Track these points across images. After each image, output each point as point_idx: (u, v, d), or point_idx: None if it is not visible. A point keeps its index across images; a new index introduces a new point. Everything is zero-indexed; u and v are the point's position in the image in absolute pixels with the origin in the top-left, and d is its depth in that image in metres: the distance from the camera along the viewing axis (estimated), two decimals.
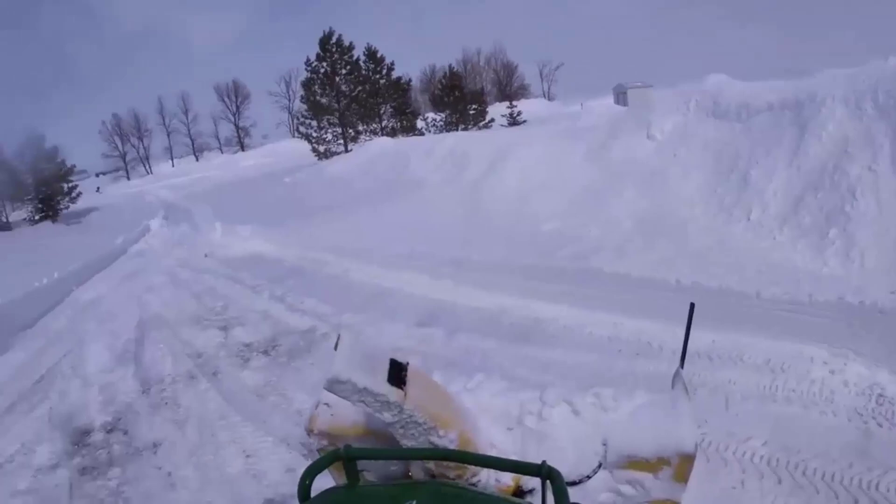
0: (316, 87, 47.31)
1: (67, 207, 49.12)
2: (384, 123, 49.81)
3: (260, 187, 34.93)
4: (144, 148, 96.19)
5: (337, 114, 47.26)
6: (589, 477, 3.25)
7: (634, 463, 3.27)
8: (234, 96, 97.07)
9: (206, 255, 18.05)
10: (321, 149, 45.74)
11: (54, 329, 13.15)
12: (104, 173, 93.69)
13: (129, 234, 26.38)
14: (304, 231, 16.56)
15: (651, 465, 3.23)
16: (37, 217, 46.68)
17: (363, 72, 49.47)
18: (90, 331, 12.22)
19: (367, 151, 29.45)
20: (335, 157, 39.18)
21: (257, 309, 11.34)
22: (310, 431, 3.52)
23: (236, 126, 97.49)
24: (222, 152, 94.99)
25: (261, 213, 22.58)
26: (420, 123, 52.85)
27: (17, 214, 49.24)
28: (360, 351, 2.90)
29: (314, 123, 46.89)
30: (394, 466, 3.27)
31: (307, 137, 46.46)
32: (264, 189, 33.12)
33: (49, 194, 47.30)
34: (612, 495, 3.29)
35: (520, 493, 3.17)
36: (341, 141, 46.99)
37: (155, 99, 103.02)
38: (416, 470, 3.15)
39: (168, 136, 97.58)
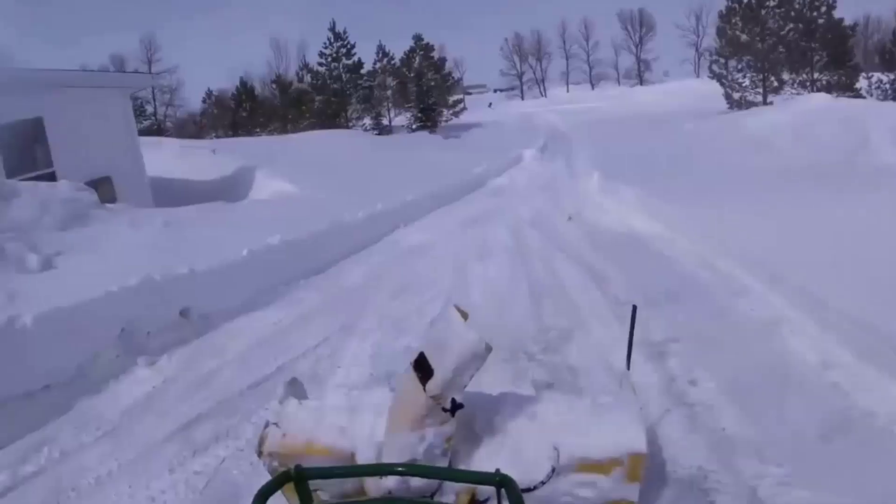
0: (736, 19, 39.46)
1: (449, 120, 48.05)
2: (815, 76, 40.41)
3: (653, 131, 29.80)
4: (542, 70, 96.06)
5: (759, 55, 39.02)
6: (543, 482, 3.17)
7: (587, 465, 3.23)
8: (639, 26, 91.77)
9: (569, 218, 13.76)
10: (735, 95, 38.54)
11: (340, 287, 10.03)
12: (500, 90, 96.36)
13: (496, 162, 23.13)
14: (705, 212, 10.96)
15: (603, 466, 3.21)
16: (414, 126, 46.11)
17: (796, 6, 40.03)
18: (374, 306, 8.69)
19: (798, 108, 23.00)
20: (753, 109, 32.41)
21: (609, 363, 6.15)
22: (259, 453, 3.46)
23: (637, 58, 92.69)
24: (619, 84, 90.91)
25: (649, 169, 17.63)
26: (862, 83, 41.20)
27: (399, 120, 49.31)
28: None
29: (730, 64, 39.30)
30: (348, 484, 3.24)
31: (719, 79, 39.24)
32: (657, 135, 27.96)
33: (431, 104, 46.17)
34: (568, 498, 3.23)
35: (475, 503, 3.18)
36: (760, 89, 39.23)
37: (558, 21, 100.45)
38: (372, 487, 3.11)
39: (566, 60, 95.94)
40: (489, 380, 4.40)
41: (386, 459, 3.13)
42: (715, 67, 39.19)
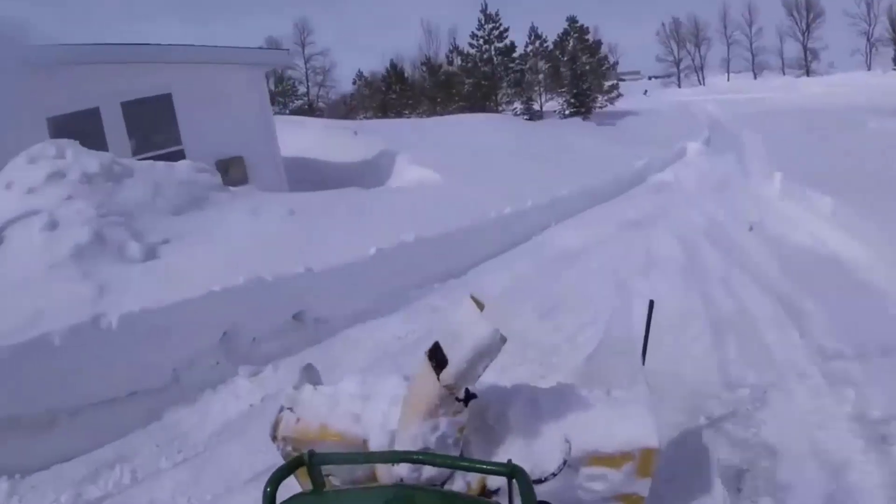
0: None
1: (604, 107, 45.65)
2: None
3: (830, 128, 26.64)
4: (700, 56, 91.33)
5: None
6: (554, 474, 3.15)
7: (598, 459, 3.25)
8: (806, 12, 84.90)
9: (750, 228, 11.69)
10: None
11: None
12: (656, 77, 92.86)
13: (658, 155, 21.05)
14: None
15: (614, 460, 3.23)
16: (567, 112, 43.93)
17: None
18: (517, 328, 6.92)
19: None
20: None
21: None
22: (273, 438, 3.50)
23: (804, 47, 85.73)
24: (784, 73, 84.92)
25: (840, 174, 15.21)
26: None
27: (551, 105, 47.21)
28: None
29: None
30: (359, 471, 3.21)
31: None
32: (836, 132, 24.87)
33: (585, 90, 43.81)
34: (578, 491, 3.26)
35: (486, 493, 3.13)
36: None
37: (719, 5, 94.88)
38: (384, 474, 3.11)
39: (727, 47, 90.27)
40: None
41: (398, 447, 3.13)
42: None
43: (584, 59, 46.75)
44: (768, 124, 31.07)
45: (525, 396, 3.47)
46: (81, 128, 12.53)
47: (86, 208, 8.54)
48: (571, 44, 48.43)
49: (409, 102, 55.13)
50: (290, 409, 3.57)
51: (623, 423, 3.26)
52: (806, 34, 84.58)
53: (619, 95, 47.44)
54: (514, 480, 2.02)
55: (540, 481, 3.06)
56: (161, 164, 10.63)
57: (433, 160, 15.66)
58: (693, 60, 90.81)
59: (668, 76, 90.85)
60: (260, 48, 15.15)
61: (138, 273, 7.69)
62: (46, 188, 8.93)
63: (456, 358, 2.96)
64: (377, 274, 8.53)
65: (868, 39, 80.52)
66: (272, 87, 65.66)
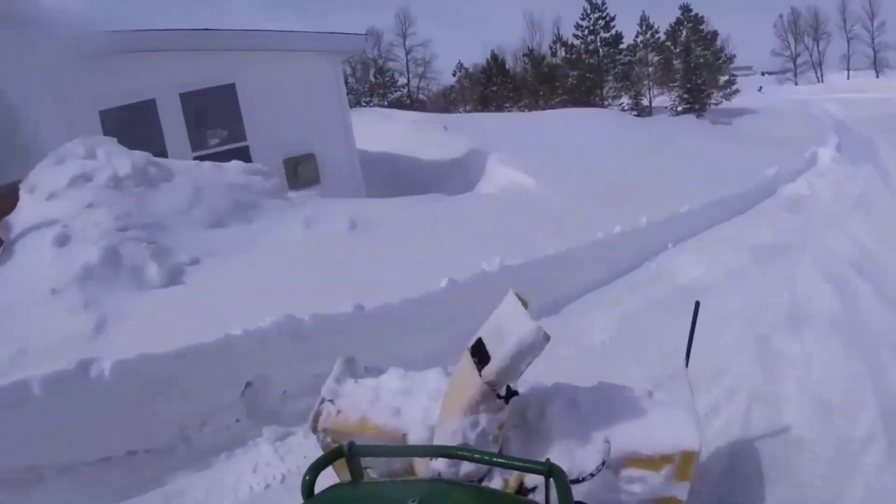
0: None
1: (719, 103, 42.72)
2: None
3: None
4: (819, 52, 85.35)
5: None
6: (592, 475, 3.04)
7: (637, 461, 3.20)
8: None
9: None
10: None
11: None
12: (770, 73, 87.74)
13: (787, 160, 18.60)
14: None
15: (654, 462, 3.17)
16: (679, 108, 41.19)
17: None
18: None
19: None
20: None
21: None
22: (314, 429, 3.58)
23: None
24: None
25: None
26: None
27: (661, 101, 44.57)
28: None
29: None
30: (398, 464, 3.27)
31: None
32: None
33: (699, 84, 40.89)
34: (616, 494, 3.21)
35: (523, 491, 3.09)
36: None
37: None
38: (422, 468, 3.15)
39: (847, 42, 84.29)
40: None
41: (437, 442, 3.13)
42: None
43: (698, 51, 43.84)
44: None
45: (566, 396, 3.49)
46: (137, 121, 11.58)
47: (105, 219, 7.18)
48: (685, 34, 45.49)
49: (510, 95, 53.24)
50: (331, 401, 3.64)
51: (664, 425, 3.23)
52: None
53: (736, 91, 44.31)
54: (551, 479, 2.05)
55: (577, 481, 2.98)
56: (207, 164, 9.23)
57: (528, 161, 13.75)
58: (811, 56, 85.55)
59: (784, 72, 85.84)
60: (332, 33, 13.38)
61: (151, 303, 6.26)
62: (68, 193, 7.67)
63: (498, 355, 3.00)
64: (448, 312, 6.78)
65: None
66: (372, 79, 65.18)
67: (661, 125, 28.33)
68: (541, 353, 2.91)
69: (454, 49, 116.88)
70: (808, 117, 38.62)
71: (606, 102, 45.75)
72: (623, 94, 44.67)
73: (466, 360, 3.13)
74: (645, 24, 46.45)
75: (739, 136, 28.13)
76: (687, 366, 3.97)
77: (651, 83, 45.96)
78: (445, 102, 63.60)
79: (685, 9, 46.43)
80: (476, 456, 2.56)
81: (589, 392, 3.48)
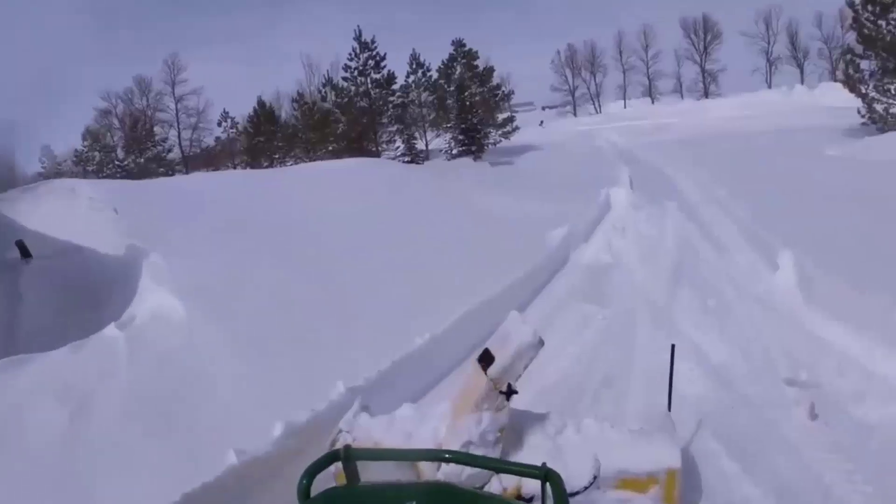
0: (869, 8, 27.66)
1: (498, 142, 39.72)
2: None
3: (782, 158, 21.00)
4: (596, 84, 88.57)
5: None
6: (586, 488, 3.38)
7: (626, 481, 3.52)
8: (703, 34, 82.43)
9: (812, 414, 5.46)
10: (879, 108, 27.35)
11: None
12: (551, 107, 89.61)
13: (576, 209, 14.87)
14: None
15: (642, 482, 3.48)
16: (455, 150, 37.70)
17: None
18: None
19: None
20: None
21: None
22: None
23: (702, 69, 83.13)
24: (682, 97, 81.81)
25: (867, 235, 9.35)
26: None
27: (439, 143, 41.09)
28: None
29: (865, 66, 27.84)
30: (402, 473, 3.19)
31: (853, 85, 28.33)
32: (792, 164, 19.20)
33: (475, 124, 37.47)
34: None
35: (521, 499, 3.36)
36: None
37: (613, 31, 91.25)
38: (428, 475, 3.41)
39: (623, 73, 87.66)
40: None
41: (446, 446, 3.47)
42: (851, 71, 28.63)
43: (473, 88, 40.67)
44: (692, 155, 25.81)
45: (559, 421, 3.88)
46: None
47: None
48: (458, 71, 42.25)
49: (279, 146, 48.10)
50: (348, 431, 4.05)
51: (649, 447, 3.61)
52: (704, 56, 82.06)
53: (516, 129, 41.49)
54: (547, 484, 2.09)
55: (572, 494, 3.05)
56: None
57: (195, 269, 8.55)
58: (589, 88, 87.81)
59: (564, 105, 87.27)
60: None
61: None
62: None
63: (502, 355, 3.54)
64: None
65: (767, 58, 79.43)
66: (127, 133, 57.90)
67: (431, 173, 24.21)
68: (536, 354, 3.58)
69: (234, 96, 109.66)
70: (593, 149, 36.74)
71: (382, 147, 41.74)
72: (398, 138, 40.74)
73: (474, 367, 3.70)
74: (416, 61, 42.91)
75: (522, 179, 24.76)
76: (669, 409, 4.29)
77: (426, 125, 42.39)
78: (209, 157, 57.71)
79: (458, 44, 43.24)
80: (471, 460, 2.88)
81: (580, 419, 3.93)
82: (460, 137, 37.40)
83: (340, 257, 10.14)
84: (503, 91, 45.26)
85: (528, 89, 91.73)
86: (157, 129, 60.69)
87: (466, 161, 33.31)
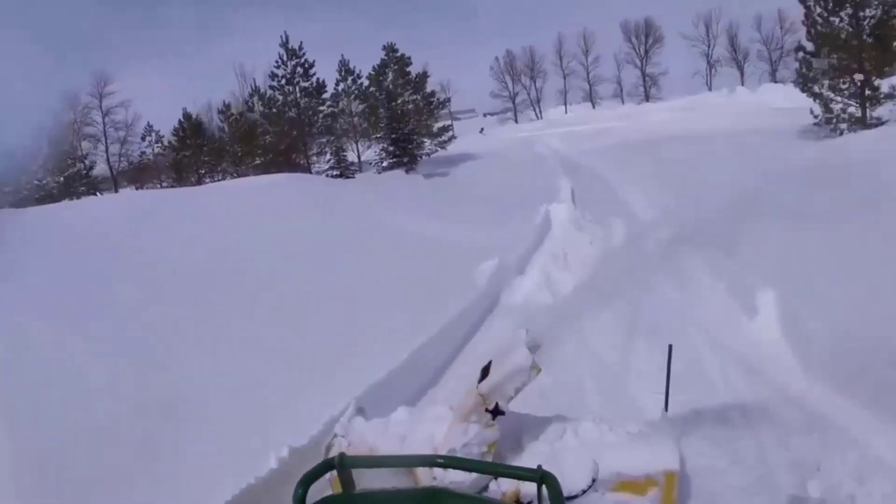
0: (822, 4, 26.38)
1: (434, 152, 37.69)
2: None
3: (736, 162, 19.27)
4: (536, 90, 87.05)
5: (853, 51, 25.80)
6: (584, 491, 3.34)
7: (624, 483, 3.42)
8: (645, 37, 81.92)
9: None
10: (835, 108, 26.12)
11: None
12: (493, 114, 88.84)
13: (512, 232, 12.90)
14: None
15: (640, 485, 3.38)
16: (385, 163, 35.44)
17: None
18: None
19: None
20: (862, 133, 21.89)
21: None
22: None
23: (643, 73, 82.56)
24: (623, 102, 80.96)
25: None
26: None
27: (371, 154, 38.79)
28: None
29: (816, 63, 26.62)
30: (399, 480, 3.18)
31: (807, 85, 27.02)
32: (752, 169, 17.42)
33: (406, 134, 35.26)
34: None
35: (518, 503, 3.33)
36: (856, 102, 26.21)
37: (554, 35, 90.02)
38: (425, 481, 3.36)
39: (563, 78, 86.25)
40: None
41: (441, 451, 3.46)
42: (805, 70, 27.06)
43: (406, 95, 38.54)
44: (634, 160, 24.17)
45: (556, 424, 3.84)
46: None
47: None
48: (390, 78, 40.05)
49: (206, 161, 45.15)
50: (343, 436, 3.97)
51: (648, 449, 3.52)
52: (644, 60, 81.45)
53: (453, 138, 39.48)
54: (543, 486, 2.08)
55: (570, 497, 3.15)
56: None
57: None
58: (529, 94, 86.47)
59: (505, 112, 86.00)
60: None
61: None
62: None
63: (495, 373, 3.53)
64: None
65: (708, 60, 79.29)
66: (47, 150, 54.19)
67: (357, 192, 21.76)
68: (529, 381, 3.51)
69: (167, 109, 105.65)
70: (534, 157, 35.00)
71: (313, 161, 39.39)
72: (328, 150, 38.38)
73: (475, 378, 3.64)
74: (345, 68, 40.60)
75: (455, 194, 22.68)
76: (666, 410, 4.05)
77: (357, 136, 40.12)
78: (135, 173, 54.44)
79: (390, 49, 40.95)
80: (465, 464, 2.92)
81: (578, 421, 3.83)
82: (391, 149, 35.14)
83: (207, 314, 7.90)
84: (438, 98, 43.07)
85: (471, 96, 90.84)
86: (84, 143, 56.71)
87: (398, 174, 31.21)
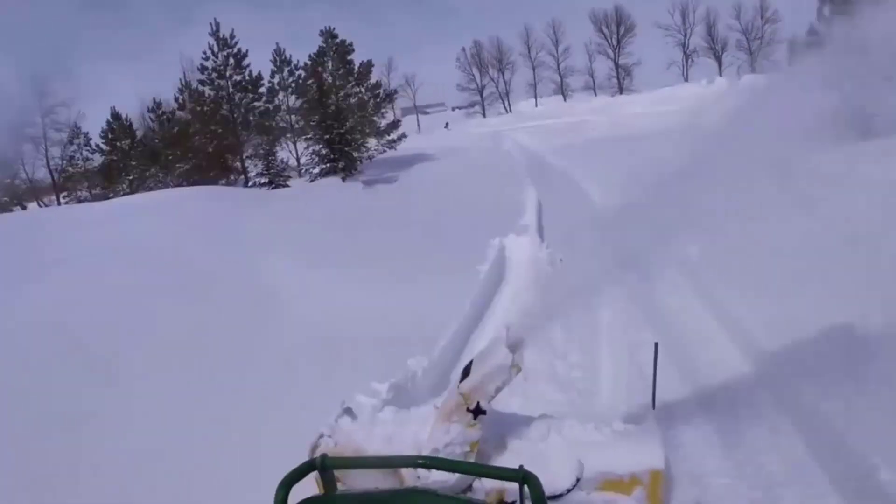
0: None
1: (377, 154, 32.94)
2: None
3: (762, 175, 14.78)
4: (505, 82, 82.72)
5: None
6: (569, 490, 3.38)
7: (610, 482, 3.50)
8: (616, 27, 77.42)
9: None
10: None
11: None
12: (460, 107, 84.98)
13: (449, 286, 8.40)
14: None
15: (625, 484, 3.47)
16: (317, 169, 30.38)
17: None
18: None
19: None
20: None
21: None
22: None
23: (616, 64, 78.16)
24: (595, 94, 76.62)
25: None
26: None
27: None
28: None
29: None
30: (382, 476, 3.33)
31: None
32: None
33: (341, 134, 30.13)
34: None
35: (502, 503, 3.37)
36: None
37: (521, 26, 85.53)
38: (410, 482, 3.42)
39: (533, 70, 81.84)
40: None
41: (424, 451, 3.51)
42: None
43: (349, 87, 33.55)
44: (620, 164, 19.71)
45: (541, 424, 3.85)
46: None
47: None
48: (331, 67, 34.96)
49: (134, 165, 39.73)
50: (329, 436, 3.99)
51: (632, 448, 3.57)
52: (617, 50, 77.10)
53: (403, 136, 34.55)
54: (525, 487, 2.10)
55: (555, 497, 3.23)
56: None
57: None
58: (497, 86, 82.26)
59: (472, 105, 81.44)
60: None
61: None
62: None
63: (475, 372, 3.58)
64: None
65: (685, 51, 75.28)
66: None
67: (261, 216, 16.65)
68: (509, 380, 3.55)
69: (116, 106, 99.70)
70: (499, 157, 30.93)
71: (248, 164, 34.44)
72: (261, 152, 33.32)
73: (457, 378, 3.71)
74: (280, 58, 35.54)
75: (391, 213, 18.00)
76: (654, 407, 4.12)
77: (294, 136, 35.05)
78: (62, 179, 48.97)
79: (328, 34, 35.72)
80: (447, 465, 2.87)
81: (563, 421, 3.88)
82: (324, 152, 30.02)
83: None
84: (384, 90, 38.03)
85: (441, 90, 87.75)
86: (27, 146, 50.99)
87: (334, 182, 26.36)
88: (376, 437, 3.80)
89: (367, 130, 32.35)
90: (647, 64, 76.66)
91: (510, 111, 76.70)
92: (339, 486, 2.50)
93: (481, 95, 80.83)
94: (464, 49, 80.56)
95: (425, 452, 3.43)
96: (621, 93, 73.79)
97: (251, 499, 3.33)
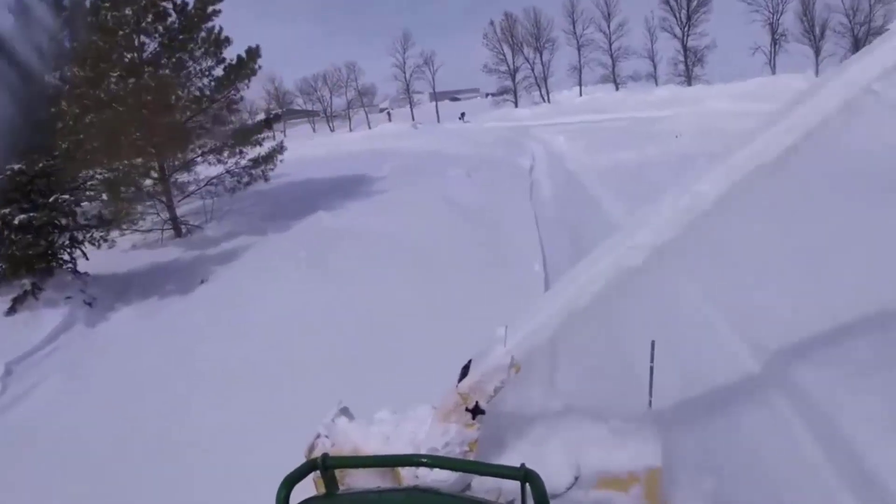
0: None
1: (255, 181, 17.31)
2: None
3: None
4: (543, 64, 65.20)
5: None
6: (567, 489, 3.31)
7: (607, 480, 3.40)
8: (686, 1, 61.16)
9: None
10: None
11: None
12: (494, 94, 68.37)
13: None
14: None
15: (622, 482, 3.36)
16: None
17: None
18: None
19: None
20: None
21: None
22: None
23: (683, 46, 61.74)
24: (657, 83, 61.12)
25: None
26: None
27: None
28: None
29: None
30: (381, 476, 3.35)
31: None
32: None
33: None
34: None
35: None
36: None
37: None
38: (409, 481, 3.32)
39: (578, 50, 63.95)
40: None
41: (422, 450, 3.40)
42: None
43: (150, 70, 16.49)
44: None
45: (538, 421, 3.75)
46: None
47: None
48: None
49: None
50: (326, 436, 3.85)
51: (629, 446, 3.44)
52: (687, 28, 60.65)
53: (276, 153, 18.13)
54: (527, 485, 2.01)
55: (552, 496, 2.65)
56: None
57: None
58: (533, 69, 65.43)
59: (505, 93, 65.92)
60: None
61: None
62: None
63: (474, 372, 3.48)
64: None
65: (773, 33, 57.65)
66: None
67: None
68: (509, 379, 3.42)
69: None
70: (510, 184, 17.18)
71: None
72: None
73: (456, 378, 3.59)
74: None
75: None
76: (651, 405, 4.09)
77: None
78: None
79: None
80: (447, 464, 2.76)
81: (560, 417, 3.77)
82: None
83: None
84: (252, 68, 19.57)
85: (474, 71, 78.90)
86: None
87: (173, 249, 11.59)
88: (374, 436, 3.71)
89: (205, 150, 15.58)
90: (721, 47, 61.17)
91: (548, 100, 61.99)
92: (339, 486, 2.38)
93: (513, 80, 65.00)
94: (491, 22, 64.67)
95: (423, 452, 3.30)
96: (689, 83, 58.23)
97: None
